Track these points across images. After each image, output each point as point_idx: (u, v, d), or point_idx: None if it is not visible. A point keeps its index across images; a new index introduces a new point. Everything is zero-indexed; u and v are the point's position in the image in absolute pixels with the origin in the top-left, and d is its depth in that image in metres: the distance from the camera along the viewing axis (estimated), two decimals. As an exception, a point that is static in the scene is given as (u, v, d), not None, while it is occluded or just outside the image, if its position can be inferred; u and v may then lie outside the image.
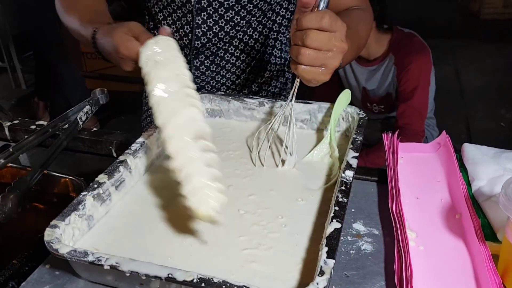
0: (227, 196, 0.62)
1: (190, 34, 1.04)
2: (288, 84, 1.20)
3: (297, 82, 0.73)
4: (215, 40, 1.04)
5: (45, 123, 1.02)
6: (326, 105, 0.85)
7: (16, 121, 1.04)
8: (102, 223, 0.67)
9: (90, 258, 0.55)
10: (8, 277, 0.66)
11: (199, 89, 1.03)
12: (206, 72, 1.10)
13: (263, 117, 0.90)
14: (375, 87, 2.05)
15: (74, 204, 0.64)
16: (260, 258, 0.60)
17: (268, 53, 1.12)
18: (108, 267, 0.54)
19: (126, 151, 0.75)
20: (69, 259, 0.56)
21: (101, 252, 0.55)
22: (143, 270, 0.53)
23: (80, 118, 0.99)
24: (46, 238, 0.58)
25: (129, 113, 2.93)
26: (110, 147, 0.96)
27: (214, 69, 1.10)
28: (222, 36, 1.03)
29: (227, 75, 1.10)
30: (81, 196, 0.65)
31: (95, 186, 0.67)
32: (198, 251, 0.62)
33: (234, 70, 1.10)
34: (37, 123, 1.03)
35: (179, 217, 0.68)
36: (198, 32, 1.03)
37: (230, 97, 0.91)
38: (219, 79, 1.11)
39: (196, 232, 0.65)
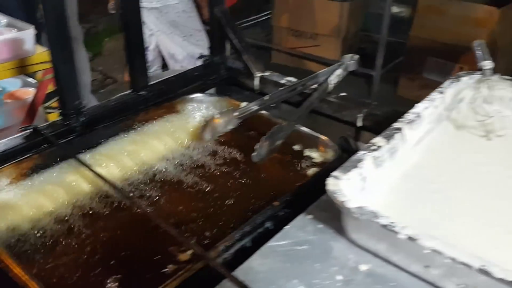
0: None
1: None
2: None
3: None
4: None
5: (294, 79, 1.03)
6: None
7: (268, 73, 1.06)
8: (373, 188, 0.62)
9: (383, 221, 0.49)
10: (266, 219, 0.66)
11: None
12: None
13: None
14: None
15: (353, 160, 0.59)
16: None
17: None
18: (405, 237, 0.48)
19: (399, 120, 0.68)
20: (357, 215, 0.51)
21: (395, 218, 0.49)
22: (449, 253, 0.45)
23: (331, 80, 0.96)
24: (330, 187, 0.55)
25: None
26: (358, 115, 0.91)
27: None
28: None
29: None
30: (360, 154, 0.60)
31: (373, 148, 0.62)
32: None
33: None
34: (286, 78, 1.03)
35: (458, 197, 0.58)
36: None
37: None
38: None
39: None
